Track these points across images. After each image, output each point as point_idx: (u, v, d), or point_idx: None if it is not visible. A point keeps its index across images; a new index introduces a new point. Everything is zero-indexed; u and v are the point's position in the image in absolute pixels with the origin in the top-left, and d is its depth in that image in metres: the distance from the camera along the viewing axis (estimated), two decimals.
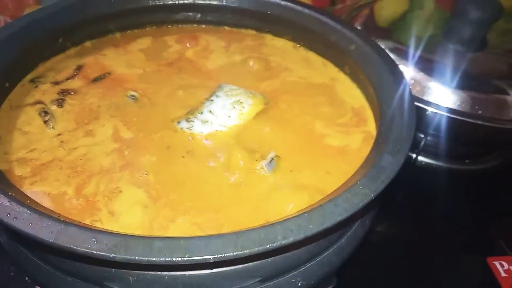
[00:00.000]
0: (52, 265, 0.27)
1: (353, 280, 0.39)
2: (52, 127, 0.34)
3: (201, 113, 0.35)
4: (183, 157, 0.32)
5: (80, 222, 0.23)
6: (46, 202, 0.28)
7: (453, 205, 0.50)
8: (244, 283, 0.25)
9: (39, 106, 0.35)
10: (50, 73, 0.39)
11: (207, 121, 0.35)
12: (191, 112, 0.35)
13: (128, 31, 0.45)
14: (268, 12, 0.45)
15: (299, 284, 0.27)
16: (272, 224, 0.22)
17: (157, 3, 0.44)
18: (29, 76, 0.38)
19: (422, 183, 0.51)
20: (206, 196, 0.29)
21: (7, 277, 0.40)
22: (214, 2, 0.45)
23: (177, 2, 0.44)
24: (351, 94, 0.39)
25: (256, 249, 0.21)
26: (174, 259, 0.20)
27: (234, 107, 0.36)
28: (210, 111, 0.35)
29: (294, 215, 0.23)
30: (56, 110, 0.35)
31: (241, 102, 0.36)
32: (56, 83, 0.38)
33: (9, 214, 0.22)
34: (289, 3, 0.43)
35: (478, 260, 0.44)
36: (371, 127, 0.36)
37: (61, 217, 0.23)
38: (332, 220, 0.23)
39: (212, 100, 0.36)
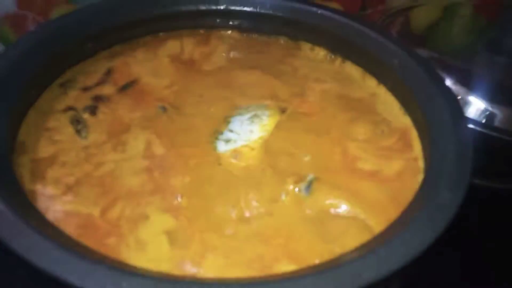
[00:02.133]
0: None
1: None
2: (85, 137, 0.32)
3: (222, 133, 0.33)
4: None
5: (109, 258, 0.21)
6: (72, 225, 0.26)
7: (493, 225, 0.47)
8: None
9: (71, 113, 0.34)
10: (80, 77, 0.37)
11: (230, 140, 0.33)
12: (213, 135, 0.34)
13: (159, 35, 0.43)
14: (303, 20, 0.42)
15: None
16: (323, 271, 0.20)
17: (190, 9, 0.42)
18: (57, 81, 0.36)
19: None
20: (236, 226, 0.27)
21: None
22: (247, 9, 0.43)
23: (210, 8, 0.42)
24: (393, 113, 0.37)
25: None
26: None
27: (253, 121, 0.34)
28: (231, 130, 0.33)
29: (343, 262, 0.20)
30: (88, 119, 0.34)
31: (258, 116, 0.35)
32: (86, 88, 0.36)
33: (30, 249, 0.20)
34: (325, 12, 0.41)
35: None
36: (416, 152, 0.33)
37: (88, 254, 0.21)
38: (388, 270, 0.20)
39: (228, 121, 0.34)
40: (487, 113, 0.44)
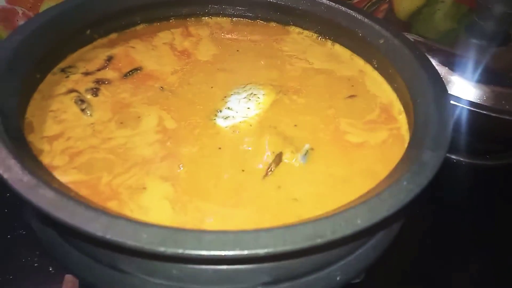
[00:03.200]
0: (92, 256, 0.27)
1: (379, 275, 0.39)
2: (90, 114, 0.34)
3: (220, 111, 0.35)
4: (219, 148, 0.32)
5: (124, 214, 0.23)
6: (83, 192, 0.28)
7: (472, 199, 0.50)
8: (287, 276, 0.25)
9: (74, 94, 0.35)
10: (80, 64, 0.39)
11: (228, 116, 0.35)
12: (213, 112, 0.35)
13: (154, 24, 0.44)
14: (293, 6, 0.44)
15: (338, 279, 0.27)
16: (320, 219, 0.22)
17: None
18: (58, 67, 0.38)
19: (443, 178, 0.51)
20: (242, 191, 0.29)
21: (31, 267, 0.40)
22: None
23: None
24: (380, 88, 0.39)
25: (306, 244, 0.21)
26: (224, 253, 0.20)
27: (249, 99, 0.36)
28: (229, 108, 0.35)
29: (341, 210, 0.23)
30: (91, 99, 0.35)
31: (255, 94, 0.36)
32: (88, 73, 0.38)
33: (56, 207, 0.22)
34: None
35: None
36: (401, 123, 0.35)
37: (106, 210, 0.23)
38: (379, 216, 0.22)
39: (226, 101, 0.36)
40: (469, 91, 0.46)
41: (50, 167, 0.29)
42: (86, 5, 0.39)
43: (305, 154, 0.31)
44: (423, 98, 0.32)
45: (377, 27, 0.39)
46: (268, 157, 0.31)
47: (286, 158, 0.31)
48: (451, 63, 0.48)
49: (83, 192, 0.28)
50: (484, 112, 0.45)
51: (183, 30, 0.45)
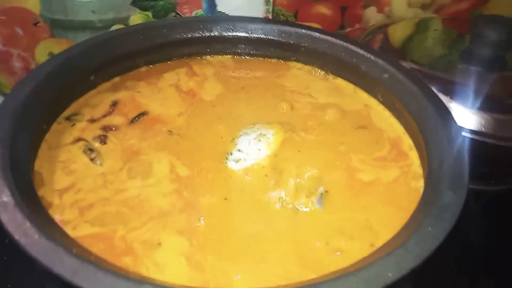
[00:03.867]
0: None
1: None
2: (100, 164, 0.33)
3: (231, 154, 0.35)
4: (225, 199, 0.32)
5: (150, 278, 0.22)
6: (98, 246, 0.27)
7: (480, 227, 0.50)
8: None
9: (82, 143, 0.35)
10: (85, 110, 0.38)
11: (240, 159, 0.34)
12: (224, 155, 0.35)
13: (156, 65, 0.44)
14: (292, 42, 0.45)
15: None
16: (348, 274, 0.22)
17: (185, 37, 0.44)
18: (63, 115, 0.37)
19: None
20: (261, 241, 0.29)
21: None
22: (241, 34, 0.45)
23: (206, 35, 0.44)
24: (387, 123, 0.39)
25: None
26: None
27: (259, 140, 0.36)
28: (239, 150, 0.35)
29: (369, 263, 0.22)
30: (100, 147, 0.35)
31: (264, 134, 0.36)
32: (93, 120, 0.37)
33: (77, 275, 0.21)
34: (315, 33, 0.43)
35: None
36: (412, 159, 0.35)
37: (131, 274, 0.22)
38: (408, 267, 0.22)
39: (236, 143, 0.36)
40: (469, 119, 0.47)
41: (60, 221, 0.29)
42: (90, 51, 0.39)
43: (320, 197, 0.31)
44: (435, 133, 0.32)
45: (380, 62, 0.39)
46: (286, 203, 0.31)
47: (302, 204, 0.31)
48: (449, 91, 0.49)
49: (98, 246, 0.27)
50: (486, 140, 0.45)
51: (188, 70, 0.44)
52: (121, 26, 0.60)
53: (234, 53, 0.47)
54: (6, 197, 0.24)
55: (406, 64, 0.52)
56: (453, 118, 0.33)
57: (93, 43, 0.39)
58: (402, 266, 0.22)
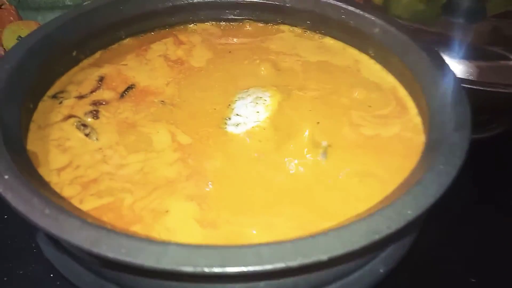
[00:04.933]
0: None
1: None
2: (96, 139, 0.32)
3: (229, 118, 0.34)
4: (230, 162, 0.31)
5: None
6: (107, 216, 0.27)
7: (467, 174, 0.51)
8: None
9: (73, 120, 0.33)
10: (71, 87, 0.37)
11: (239, 123, 0.34)
12: (222, 120, 0.35)
13: (139, 36, 0.43)
14: (279, 4, 0.44)
15: (381, 271, 0.27)
16: (372, 215, 0.22)
17: (167, 5, 0.42)
18: (48, 93, 0.35)
19: None
20: (273, 195, 0.28)
21: None
22: None
23: (194, 1, 0.43)
24: (379, 76, 0.39)
25: (366, 242, 0.21)
26: (288, 264, 0.20)
27: (257, 103, 0.35)
28: (237, 114, 0.35)
29: (388, 203, 0.22)
30: (93, 122, 0.33)
31: (260, 97, 0.36)
32: (81, 96, 0.36)
33: (100, 243, 0.20)
34: None
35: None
36: (410, 107, 0.36)
37: (150, 238, 0.21)
38: (427, 203, 0.22)
39: (232, 108, 0.35)
40: (454, 68, 0.47)
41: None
42: (70, 24, 0.37)
43: (324, 151, 0.31)
44: (433, 81, 0.32)
45: (370, 16, 0.39)
46: (291, 158, 0.30)
47: (307, 159, 0.31)
48: (433, 43, 0.49)
49: (108, 216, 0.27)
50: (472, 87, 0.46)
51: (175, 39, 0.43)
52: None
53: (219, 19, 0.46)
54: (8, 175, 0.23)
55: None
56: (448, 66, 0.33)
57: (72, 16, 0.37)
58: (420, 203, 0.22)
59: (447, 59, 0.47)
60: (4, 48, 0.58)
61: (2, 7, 0.56)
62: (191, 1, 0.43)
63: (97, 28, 0.39)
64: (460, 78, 0.45)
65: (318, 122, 0.34)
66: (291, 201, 0.28)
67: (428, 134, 0.29)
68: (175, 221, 0.27)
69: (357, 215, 0.23)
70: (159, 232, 0.26)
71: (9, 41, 0.58)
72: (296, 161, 0.30)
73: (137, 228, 0.26)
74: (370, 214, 0.22)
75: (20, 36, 0.58)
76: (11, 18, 0.57)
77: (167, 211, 0.27)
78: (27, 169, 0.25)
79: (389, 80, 0.39)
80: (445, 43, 0.49)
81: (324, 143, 0.31)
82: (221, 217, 0.27)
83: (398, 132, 0.34)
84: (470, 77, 0.46)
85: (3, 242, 0.37)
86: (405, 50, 0.36)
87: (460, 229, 0.43)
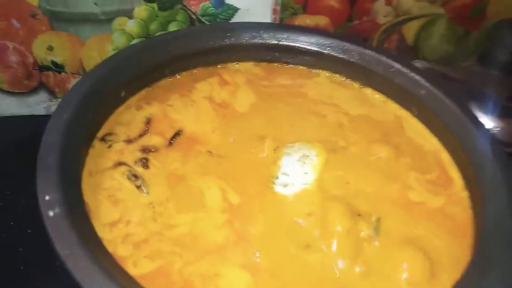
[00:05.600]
0: None
1: None
2: (147, 192, 0.32)
3: (277, 177, 0.34)
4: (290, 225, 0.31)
5: None
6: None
7: None
8: None
9: (124, 168, 0.33)
10: (118, 129, 0.37)
11: (287, 184, 0.34)
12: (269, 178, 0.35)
13: (184, 73, 0.43)
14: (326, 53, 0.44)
15: None
16: None
17: (216, 45, 0.42)
18: (98, 135, 0.35)
19: None
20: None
21: None
22: (269, 41, 0.44)
23: (244, 42, 0.43)
24: (422, 134, 0.40)
25: None
26: None
27: (304, 162, 0.35)
28: (285, 173, 0.35)
29: None
30: (143, 172, 0.33)
31: (307, 155, 0.36)
32: (130, 140, 0.36)
33: None
34: (345, 43, 0.43)
35: None
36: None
37: None
38: None
39: (279, 165, 0.35)
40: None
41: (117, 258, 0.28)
42: (119, 66, 0.37)
43: (376, 227, 0.31)
44: (481, 157, 0.33)
45: (417, 77, 0.39)
46: (341, 234, 0.31)
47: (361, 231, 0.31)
48: (461, 93, 0.49)
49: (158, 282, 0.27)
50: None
51: (220, 79, 0.43)
52: (125, 18, 0.57)
53: (259, 60, 0.46)
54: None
55: (419, 64, 0.52)
56: (497, 142, 0.33)
57: (121, 57, 0.37)
58: None
59: (484, 115, 0.48)
60: (34, 57, 0.58)
61: (36, 17, 0.56)
62: (235, 41, 0.43)
63: (146, 67, 0.39)
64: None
65: (367, 191, 0.34)
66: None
67: (480, 217, 0.30)
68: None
69: None
70: None
71: (39, 50, 0.58)
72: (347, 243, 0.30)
73: None
74: None
75: (50, 46, 0.58)
76: (43, 28, 0.57)
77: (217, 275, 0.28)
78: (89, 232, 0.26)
79: (433, 141, 0.39)
80: (479, 96, 0.49)
81: (374, 217, 0.32)
82: None
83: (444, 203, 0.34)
84: (503, 138, 0.47)
85: None
86: (450, 117, 0.37)
87: None
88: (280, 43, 0.44)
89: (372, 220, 0.31)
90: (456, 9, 0.69)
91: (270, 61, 0.46)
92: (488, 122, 0.48)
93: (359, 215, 0.31)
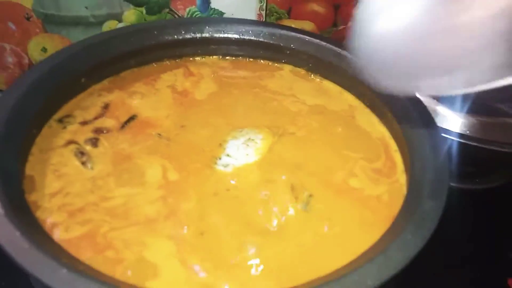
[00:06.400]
0: None
1: None
2: (91, 167, 0.34)
3: (220, 158, 0.36)
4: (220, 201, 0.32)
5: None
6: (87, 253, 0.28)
7: (467, 224, 0.51)
8: None
9: (73, 146, 0.35)
10: (77, 112, 0.38)
11: (228, 164, 0.35)
12: (212, 159, 0.36)
13: (145, 66, 0.45)
14: (282, 45, 0.45)
15: None
16: (329, 281, 0.23)
17: (175, 38, 0.44)
18: (55, 117, 0.38)
19: None
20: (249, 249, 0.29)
21: None
22: (233, 36, 0.46)
23: (197, 36, 0.45)
24: (370, 122, 0.40)
25: None
26: None
27: (248, 145, 0.36)
28: (228, 155, 0.36)
29: (350, 271, 0.23)
30: (91, 150, 0.35)
31: (252, 139, 0.37)
32: (85, 122, 0.38)
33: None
34: (304, 36, 0.44)
35: (498, 281, 0.45)
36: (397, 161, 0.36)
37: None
38: (388, 274, 0.23)
39: (224, 147, 0.37)
40: (456, 122, 0.48)
41: (51, 224, 0.29)
42: (81, 54, 0.39)
43: (306, 202, 0.32)
44: (417, 140, 0.33)
45: None
46: (272, 209, 0.31)
47: (290, 207, 0.31)
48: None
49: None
50: (472, 143, 0.46)
51: (185, 70, 0.45)
52: (114, 22, 0.60)
53: (223, 55, 0.47)
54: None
55: None
56: (436, 125, 0.34)
57: (84, 45, 0.40)
58: (382, 273, 0.23)
59: (450, 112, 0.48)
60: (29, 58, 0.61)
61: (30, 19, 0.59)
62: (202, 35, 0.45)
63: (107, 58, 0.41)
64: (457, 133, 0.46)
65: (302, 171, 0.35)
66: (266, 256, 0.29)
67: (406, 196, 0.30)
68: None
69: (314, 280, 0.23)
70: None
71: (34, 52, 0.61)
72: (276, 209, 0.31)
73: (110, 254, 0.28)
74: (329, 281, 0.22)
75: (44, 48, 0.61)
76: (37, 30, 0.60)
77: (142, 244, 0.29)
78: (17, 200, 0.27)
79: (380, 128, 0.40)
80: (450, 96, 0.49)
81: (306, 194, 0.32)
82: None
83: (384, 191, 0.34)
84: (468, 132, 0.47)
85: None
86: (396, 103, 0.37)
87: None
88: (242, 37, 0.45)
89: (304, 195, 0.32)
90: None
91: (237, 55, 0.47)
92: (460, 119, 0.48)
93: (292, 189, 0.32)
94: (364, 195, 0.33)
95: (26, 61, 0.62)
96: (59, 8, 0.58)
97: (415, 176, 0.30)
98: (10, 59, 0.62)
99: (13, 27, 0.59)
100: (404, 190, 0.33)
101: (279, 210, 0.31)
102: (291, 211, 0.31)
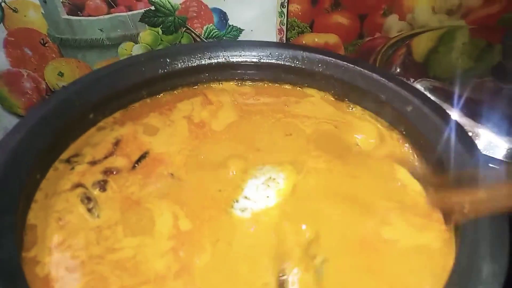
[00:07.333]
0: None
1: None
2: (98, 215, 0.31)
3: (237, 201, 0.32)
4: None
5: None
6: None
7: None
8: None
9: (80, 190, 0.32)
10: (86, 150, 0.36)
11: (246, 208, 0.31)
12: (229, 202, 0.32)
13: (159, 96, 0.42)
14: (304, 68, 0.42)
15: None
16: None
17: (190, 65, 0.41)
18: (62, 157, 0.35)
19: None
20: None
21: None
22: (253, 60, 0.42)
23: (212, 63, 0.42)
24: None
25: None
26: None
27: (268, 185, 0.33)
28: (246, 197, 0.32)
29: None
30: (99, 195, 0.32)
31: (274, 178, 0.33)
32: (94, 162, 0.35)
33: None
34: (331, 59, 0.40)
35: None
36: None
37: None
38: None
39: (243, 188, 0.33)
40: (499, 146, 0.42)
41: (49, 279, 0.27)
42: (88, 88, 0.37)
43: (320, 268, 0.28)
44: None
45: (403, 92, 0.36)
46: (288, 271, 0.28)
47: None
48: (476, 113, 0.44)
49: None
50: None
51: (203, 98, 0.41)
52: (130, 43, 0.58)
53: (243, 80, 0.44)
54: None
55: (428, 83, 0.48)
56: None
57: (92, 78, 0.37)
58: None
59: (492, 135, 0.43)
60: (46, 83, 0.60)
61: (46, 45, 0.58)
62: (217, 61, 0.42)
63: (116, 90, 0.38)
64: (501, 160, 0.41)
65: (328, 226, 0.30)
66: None
67: (456, 262, 0.25)
68: None
69: None
70: None
71: (51, 76, 0.60)
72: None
73: None
74: None
75: (61, 72, 0.60)
76: (53, 55, 0.59)
77: None
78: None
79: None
80: (492, 115, 0.44)
81: (319, 259, 0.28)
82: None
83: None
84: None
85: None
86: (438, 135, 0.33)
87: None
88: (261, 61, 0.42)
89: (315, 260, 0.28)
90: (480, 20, 0.64)
91: (254, 80, 0.44)
92: (505, 144, 0.43)
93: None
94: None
95: (43, 86, 0.62)
96: (74, 32, 0.57)
97: (466, 233, 0.25)
98: (28, 85, 0.62)
99: (30, 52, 0.59)
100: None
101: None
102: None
